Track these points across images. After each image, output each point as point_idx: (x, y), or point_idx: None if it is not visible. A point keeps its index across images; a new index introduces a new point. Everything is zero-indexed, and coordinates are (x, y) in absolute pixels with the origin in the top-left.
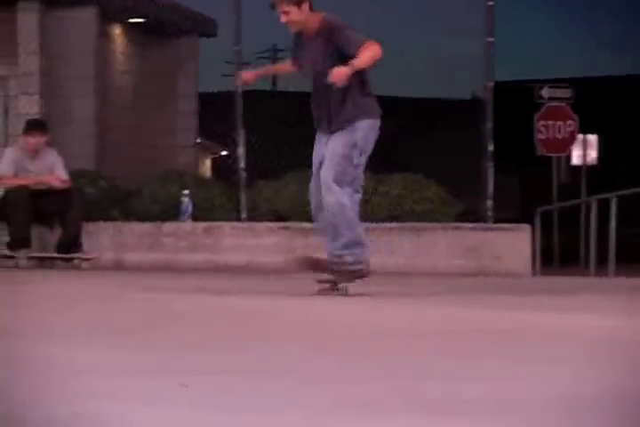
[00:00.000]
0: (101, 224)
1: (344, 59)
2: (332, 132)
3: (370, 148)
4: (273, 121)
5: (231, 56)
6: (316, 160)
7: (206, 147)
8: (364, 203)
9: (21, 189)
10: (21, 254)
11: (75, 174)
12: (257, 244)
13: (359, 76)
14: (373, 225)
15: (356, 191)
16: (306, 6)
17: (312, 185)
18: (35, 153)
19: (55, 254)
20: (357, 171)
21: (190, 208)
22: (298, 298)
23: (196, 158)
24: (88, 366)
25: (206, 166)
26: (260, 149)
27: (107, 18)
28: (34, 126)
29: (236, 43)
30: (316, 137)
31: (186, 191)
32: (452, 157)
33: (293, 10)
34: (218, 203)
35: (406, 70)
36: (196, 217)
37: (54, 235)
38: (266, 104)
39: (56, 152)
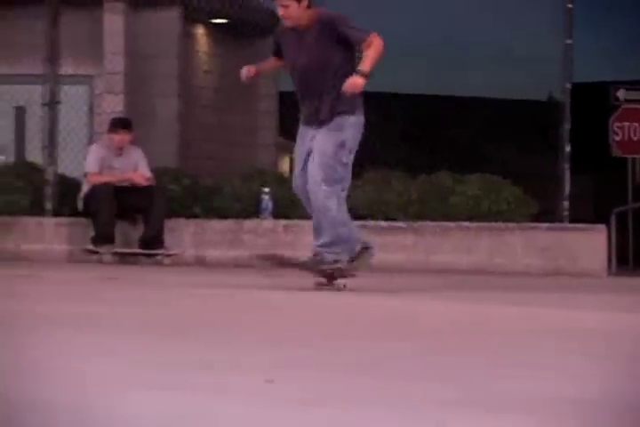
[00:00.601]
0: (183, 221)
1: (344, 49)
2: (320, 124)
3: (356, 146)
4: None
5: None
6: (301, 155)
7: (284, 146)
8: (444, 202)
9: (106, 185)
10: (105, 250)
11: (158, 172)
12: None
13: (349, 70)
14: (451, 224)
15: (343, 189)
16: (305, 2)
17: (298, 181)
18: (119, 151)
19: (138, 250)
20: (346, 170)
21: (270, 206)
22: (381, 295)
23: (276, 157)
24: (180, 362)
25: (285, 165)
26: None
27: (190, 18)
28: (119, 124)
29: None
30: (300, 131)
31: (266, 189)
32: (529, 158)
33: (293, 4)
34: (298, 201)
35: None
36: (276, 215)
37: (137, 231)
38: None
39: (140, 150)
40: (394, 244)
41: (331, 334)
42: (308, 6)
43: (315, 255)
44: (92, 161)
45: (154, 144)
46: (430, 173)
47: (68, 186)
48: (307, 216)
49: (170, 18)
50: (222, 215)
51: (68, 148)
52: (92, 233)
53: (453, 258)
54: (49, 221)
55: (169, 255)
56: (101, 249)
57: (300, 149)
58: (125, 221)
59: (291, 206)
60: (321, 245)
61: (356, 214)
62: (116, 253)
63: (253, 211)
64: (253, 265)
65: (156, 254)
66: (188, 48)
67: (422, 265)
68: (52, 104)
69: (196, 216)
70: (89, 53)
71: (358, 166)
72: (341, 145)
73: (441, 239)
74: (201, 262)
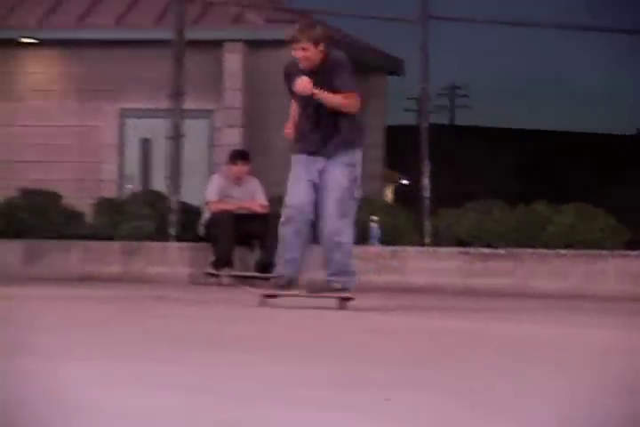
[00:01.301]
0: None
1: (330, 90)
2: (328, 157)
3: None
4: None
5: (416, 93)
6: (306, 181)
7: (387, 176)
8: (541, 230)
9: (226, 213)
10: (224, 273)
11: (273, 200)
12: (439, 267)
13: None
14: (549, 251)
15: (352, 222)
16: (322, 46)
17: (301, 201)
18: (238, 180)
19: (255, 273)
20: (355, 203)
21: (378, 233)
22: (486, 319)
23: (382, 187)
24: (299, 380)
25: (388, 193)
26: (440, 180)
27: None
28: (237, 156)
29: (423, 80)
30: (302, 159)
31: (374, 217)
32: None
33: (312, 48)
34: (403, 228)
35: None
36: (383, 241)
37: (254, 255)
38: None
39: (257, 180)
40: (494, 269)
41: (443, 356)
42: (323, 50)
43: (329, 283)
44: (213, 190)
45: (269, 174)
46: (529, 202)
47: (190, 213)
48: (412, 243)
49: (285, 57)
50: None
51: (190, 177)
52: (212, 257)
53: (550, 283)
54: (172, 246)
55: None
56: (221, 272)
57: (303, 175)
58: (243, 247)
59: (397, 234)
60: (331, 275)
61: (459, 241)
62: (234, 276)
63: (363, 237)
64: (362, 288)
65: (272, 278)
66: None
67: (521, 290)
68: (176, 137)
69: None
70: (210, 89)
71: (461, 195)
72: (355, 180)
73: (539, 265)
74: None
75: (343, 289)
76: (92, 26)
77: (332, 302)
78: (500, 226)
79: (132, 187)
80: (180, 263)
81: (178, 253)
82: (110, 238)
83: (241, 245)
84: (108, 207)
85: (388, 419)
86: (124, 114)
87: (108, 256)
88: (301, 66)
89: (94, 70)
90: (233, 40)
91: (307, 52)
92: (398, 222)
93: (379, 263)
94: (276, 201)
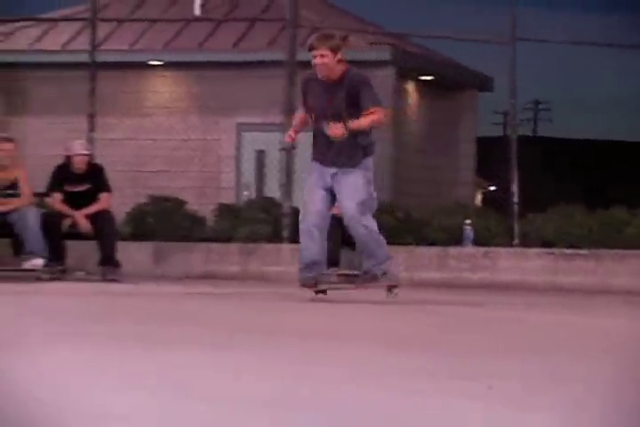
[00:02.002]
0: (398, 248)
1: (354, 107)
2: (340, 166)
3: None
4: (534, 162)
5: (503, 107)
6: (321, 187)
7: (477, 183)
8: (620, 232)
9: (334, 217)
10: (332, 272)
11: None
12: (526, 266)
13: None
14: (628, 252)
15: (373, 216)
16: (339, 55)
17: (314, 207)
18: None
19: (359, 272)
20: (373, 202)
21: (472, 235)
22: (570, 312)
23: (473, 193)
24: (401, 367)
25: (477, 199)
26: (525, 186)
27: (402, 76)
28: None
29: (511, 96)
30: (316, 166)
31: (468, 221)
32: None
33: (330, 55)
34: (494, 231)
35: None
36: (476, 243)
37: (357, 256)
38: (528, 148)
39: None
40: (577, 268)
41: (544, 347)
42: (340, 60)
43: (365, 273)
44: None
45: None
46: (608, 207)
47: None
48: (502, 244)
49: (385, 76)
50: (431, 243)
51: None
52: None
53: (629, 281)
54: (286, 247)
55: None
56: (328, 271)
57: (319, 183)
58: (349, 248)
59: (488, 236)
60: (375, 264)
61: (544, 242)
62: (340, 275)
63: (457, 240)
64: (457, 285)
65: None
66: (400, 101)
67: (601, 287)
68: (288, 149)
69: (408, 244)
70: None
71: (545, 201)
72: (369, 182)
73: (618, 265)
74: (412, 282)
75: (384, 275)
76: (212, 49)
77: (382, 292)
78: (582, 229)
79: (248, 194)
80: (292, 263)
81: (290, 253)
82: (229, 240)
83: (347, 247)
84: (227, 212)
85: (496, 405)
86: (241, 128)
87: (228, 257)
88: (320, 74)
89: (214, 89)
90: None
91: (324, 59)
92: (489, 225)
93: (472, 263)
94: (379, 206)
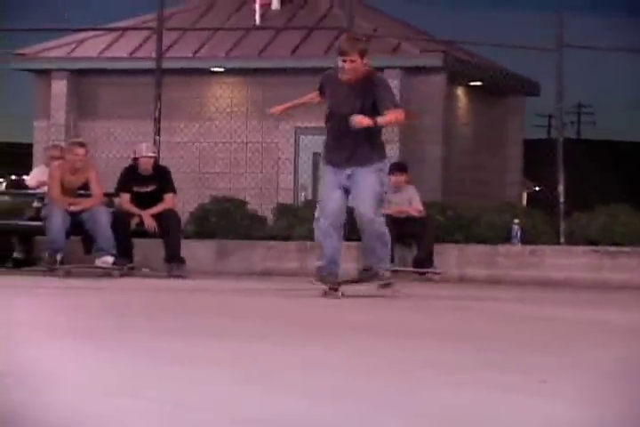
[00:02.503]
0: (448, 246)
1: (372, 107)
2: (355, 166)
3: None
4: (578, 164)
5: (548, 110)
6: (337, 186)
7: (522, 183)
8: None
9: (386, 216)
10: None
11: (428, 205)
12: (572, 263)
13: (378, 125)
14: None
15: (382, 216)
16: (366, 59)
17: (332, 206)
18: (396, 188)
19: (412, 269)
20: (384, 203)
21: (519, 234)
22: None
23: (520, 193)
24: (445, 363)
25: (522, 199)
26: (570, 187)
27: (452, 81)
28: (395, 168)
29: (558, 101)
30: (330, 168)
31: (516, 220)
32: None
33: (358, 60)
34: (541, 229)
35: None
36: (523, 241)
37: (412, 253)
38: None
39: (413, 187)
40: (620, 265)
41: (585, 343)
42: (367, 63)
43: (365, 270)
44: None
45: (424, 182)
46: None
47: (355, 217)
48: (548, 242)
49: (437, 81)
50: (480, 241)
51: None
52: None
53: None
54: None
55: (437, 273)
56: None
57: (335, 183)
58: (402, 245)
59: (535, 234)
60: (376, 262)
61: (589, 240)
62: (393, 271)
63: (505, 238)
64: (505, 282)
65: (427, 273)
66: (451, 105)
67: None
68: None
69: (458, 242)
70: None
71: (588, 200)
72: (382, 184)
73: None
74: (462, 279)
75: (385, 272)
76: (271, 56)
77: (382, 289)
78: (626, 227)
79: (305, 194)
80: (348, 260)
81: (347, 251)
82: (288, 239)
83: (400, 244)
84: (286, 212)
85: (548, 399)
86: (299, 132)
87: (286, 254)
88: (345, 76)
89: (273, 94)
90: (391, 67)
91: (354, 64)
92: (536, 224)
93: (519, 260)
94: (430, 205)
